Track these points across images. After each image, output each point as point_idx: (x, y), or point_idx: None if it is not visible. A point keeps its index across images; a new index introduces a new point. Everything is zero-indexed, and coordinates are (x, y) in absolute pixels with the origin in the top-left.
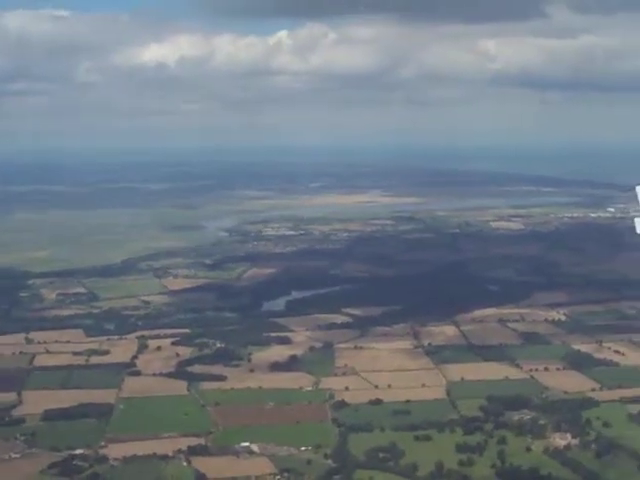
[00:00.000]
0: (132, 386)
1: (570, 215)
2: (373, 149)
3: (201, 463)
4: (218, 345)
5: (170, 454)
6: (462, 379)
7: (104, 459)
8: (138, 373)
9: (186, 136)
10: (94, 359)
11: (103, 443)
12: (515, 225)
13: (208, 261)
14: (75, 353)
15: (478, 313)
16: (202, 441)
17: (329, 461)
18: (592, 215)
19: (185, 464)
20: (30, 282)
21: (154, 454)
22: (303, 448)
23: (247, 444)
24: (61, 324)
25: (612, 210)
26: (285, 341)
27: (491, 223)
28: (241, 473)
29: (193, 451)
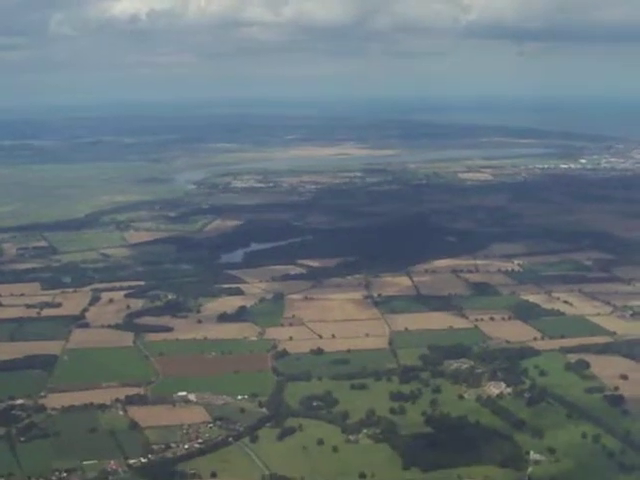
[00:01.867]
0: (79, 338)
1: (541, 166)
2: (348, 101)
3: (137, 412)
4: (170, 297)
5: (108, 403)
6: (406, 329)
7: (42, 409)
8: (87, 325)
9: (161, 89)
10: (46, 312)
11: (43, 393)
12: (483, 176)
13: (172, 214)
14: (28, 306)
15: (433, 264)
16: (141, 391)
17: (263, 409)
18: (563, 166)
19: (121, 413)
20: None
21: (92, 404)
22: (239, 397)
23: (184, 393)
24: (18, 278)
25: (583, 161)
26: (237, 292)
27: (459, 174)
28: (175, 422)
29: (130, 400)
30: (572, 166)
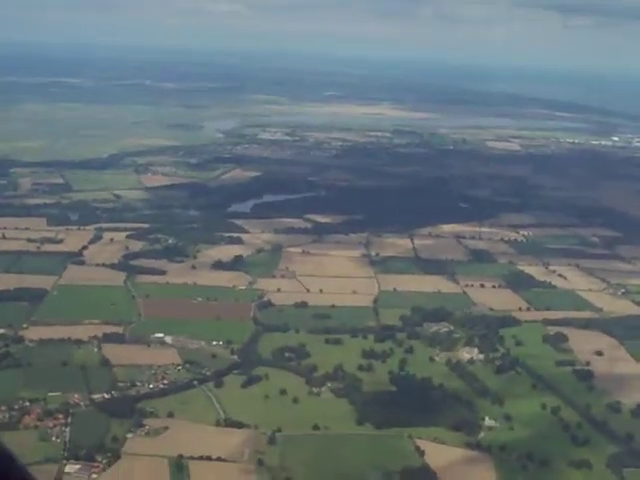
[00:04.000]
0: (72, 274)
1: (571, 140)
2: (393, 62)
3: (111, 350)
4: (170, 241)
5: (85, 340)
6: (394, 289)
7: (21, 340)
8: (82, 262)
9: (211, 37)
10: (46, 247)
11: (25, 325)
12: (512, 146)
13: (194, 160)
14: (30, 240)
15: (439, 228)
16: (120, 330)
17: (234, 356)
18: (593, 142)
19: (96, 350)
20: (13, 170)
21: (69, 339)
22: (214, 343)
23: (161, 335)
24: (27, 212)
25: (615, 139)
26: (237, 241)
27: (488, 142)
28: (145, 362)
29: (107, 338)
30: (603, 142)
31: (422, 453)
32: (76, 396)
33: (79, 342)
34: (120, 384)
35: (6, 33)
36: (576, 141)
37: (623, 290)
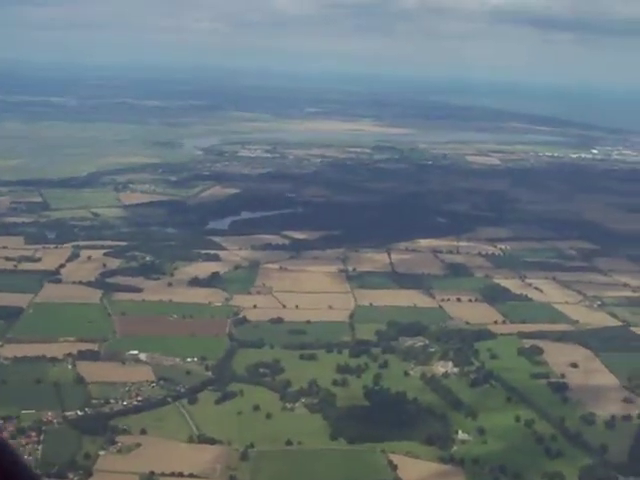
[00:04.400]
0: (49, 292)
1: (550, 154)
2: (377, 78)
3: (85, 367)
4: (147, 259)
5: (60, 357)
6: (370, 304)
7: None
8: (59, 281)
9: (195, 55)
10: (23, 265)
11: (0, 343)
12: (491, 160)
13: (173, 178)
14: (8, 258)
15: (416, 243)
16: (95, 347)
17: (209, 373)
18: (573, 155)
19: (70, 367)
20: None
21: (44, 356)
22: (189, 359)
23: (136, 352)
24: (5, 231)
25: (595, 152)
26: (214, 258)
27: (467, 157)
28: (120, 379)
29: (82, 356)
30: (582, 156)
31: (395, 467)
32: (49, 414)
33: (54, 360)
34: (94, 401)
35: None
36: (555, 154)
37: (599, 302)
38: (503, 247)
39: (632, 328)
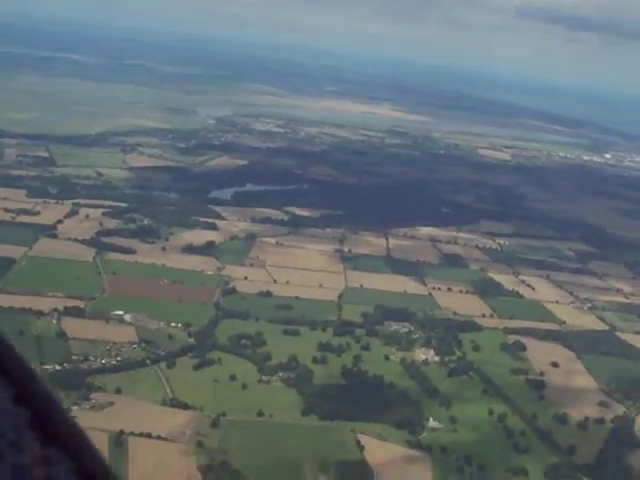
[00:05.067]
0: (43, 247)
1: (563, 154)
2: (400, 63)
3: (69, 323)
4: (145, 222)
5: (45, 311)
6: (361, 286)
7: None
8: (55, 236)
9: (224, 25)
10: (22, 218)
11: None
12: (502, 155)
13: (182, 145)
14: (7, 210)
15: (416, 230)
16: (82, 304)
17: (191, 339)
18: (585, 158)
19: (54, 322)
20: (0, 140)
21: (30, 309)
22: (173, 324)
23: (121, 313)
24: (8, 183)
25: (608, 156)
26: (211, 227)
27: (480, 150)
28: (102, 337)
29: (68, 312)
30: (594, 159)
31: (362, 448)
32: None
33: (39, 313)
34: (73, 357)
35: (10, 3)
36: (568, 155)
37: (589, 305)
38: (502, 242)
39: (618, 333)
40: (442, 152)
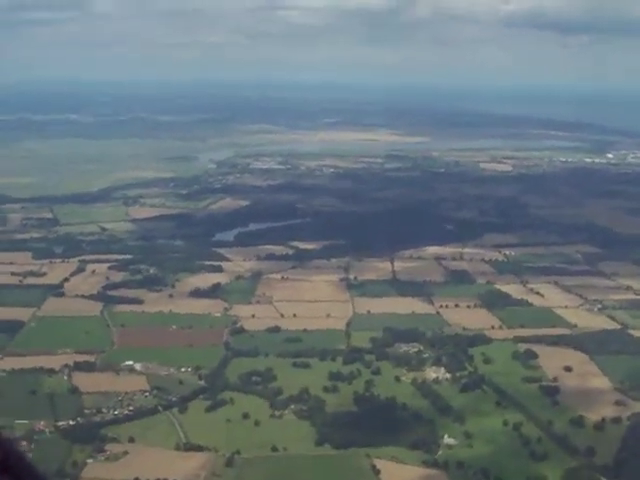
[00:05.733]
0: (51, 306)
1: (564, 159)
2: (388, 87)
3: (80, 378)
4: (151, 271)
5: (56, 369)
6: (368, 312)
7: None
8: (62, 294)
9: (204, 68)
10: (29, 280)
11: (0, 356)
12: (504, 167)
13: (184, 191)
14: (14, 273)
15: (421, 251)
16: (91, 358)
17: (202, 382)
18: (587, 160)
19: (66, 378)
20: (4, 206)
21: (41, 368)
22: (183, 369)
23: (131, 363)
24: (14, 246)
25: (610, 156)
26: (217, 269)
27: (480, 164)
28: (114, 389)
29: (78, 367)
30: (596, 160)
31: (377, 472)
32: (42, 423)
33: (50, 371)
34: (86, 411)
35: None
36: (569, 159)
37: (599, 306)
38: (508, 253)
39: (630, 331)
40: (442, 170)
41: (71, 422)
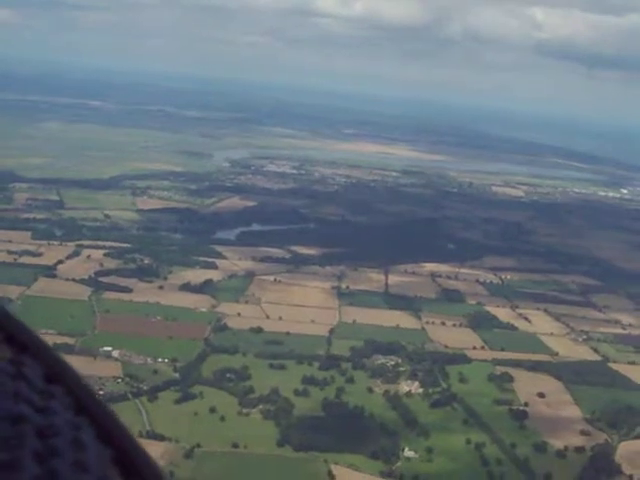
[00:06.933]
0: (41, 287)
1: (578, 190)
2: (416, 103)
3: None
4: (146, 262)
5: None
6: (354, 321)
7: None
8: (54, 276)
9: (236, 67)
10: (24, 259)
11: None
12: (516, 192)
13: (193, 187)
14: (10, 252)
15: (419, 267)
16: (72, 341)
17: (176, 374)
18: (601, 193)
19: None
20: (12, 185)
21: None
22: (160, 360)
23: (109, 349)
24: (15, 225)
25: (624, 191)
26: (211, 266)
27: (493, 187)
28: (87, 373)
29: (56, 348)
30: (610, 194)
31: (332, 477)
32: None
33: None
34: None
35: (31, 52)
36: (583, 191)
37: (585, 336)
38: (504, 276)
39: (610, 364)
40: (455, 190)
41: None
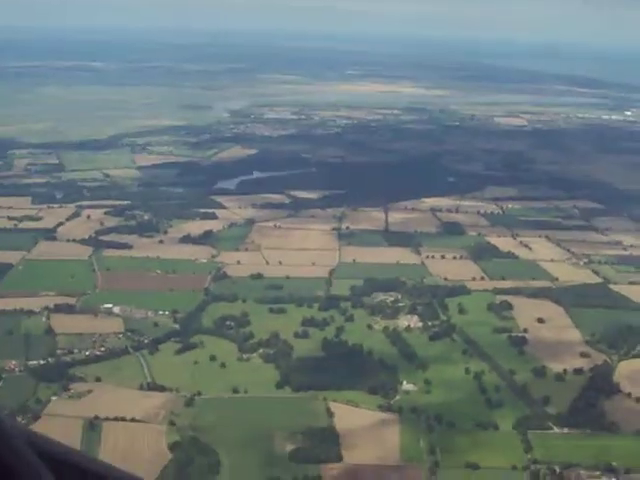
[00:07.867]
0: (42, 250)
1: (581, 115)
2: (418, 40)
3: (58, 320)
4: (145, 217)
5: (36, 310)
6: (354, 261)
7: None
8: (54, 238)
9: (239, 18)
10: (24, 224)
11: None
12: (519, 121)
13: (194, 140)
14: (10, 218)
15: (419, 202)
16: (73, 301)
17: (176, 325)
18: (604, 117)
19: (44, 320)
20: (12, 151)
21: (22, 309)
22: (160, 312)
23: (110, 305)
24: (15, 191)
25: (628, 113)
26: (211, 217)
27: (496, 118)
28: (89, 330)
29: (58, 309)
30: (614, 117)
31: (332, 415)
32: (13, 362)
33: (30, 312)
34: (58, 351)
35: (29, 19)
36: (586, 116)
37: (586, 260)
38: (505, 206)
39: (611, 285)
40: (457, 124)
41: (41, 362)
